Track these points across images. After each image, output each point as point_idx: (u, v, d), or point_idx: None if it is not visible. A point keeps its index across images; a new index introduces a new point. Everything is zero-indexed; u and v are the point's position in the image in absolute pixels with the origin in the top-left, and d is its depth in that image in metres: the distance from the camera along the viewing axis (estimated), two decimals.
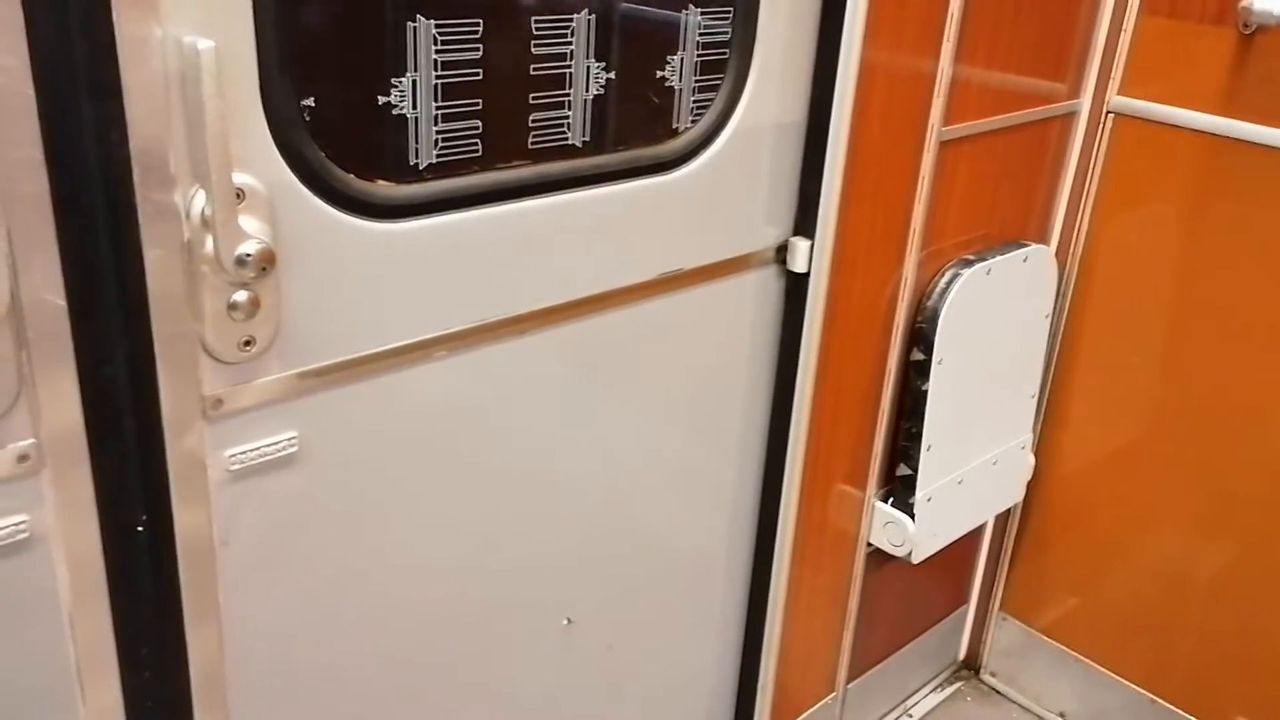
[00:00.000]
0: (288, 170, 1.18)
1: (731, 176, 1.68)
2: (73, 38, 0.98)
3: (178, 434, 1.16)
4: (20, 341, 1.03)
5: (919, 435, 1.96)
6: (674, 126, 1.63)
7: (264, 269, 1.15)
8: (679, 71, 1.60)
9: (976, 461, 2.13)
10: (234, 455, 1.23)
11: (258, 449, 1.24)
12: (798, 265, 1.78)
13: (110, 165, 1.04)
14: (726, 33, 1.62)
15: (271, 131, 1.15)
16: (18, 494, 1.07)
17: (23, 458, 1.06)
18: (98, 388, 1.09)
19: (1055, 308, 2.22)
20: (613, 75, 1.51)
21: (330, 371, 1.29)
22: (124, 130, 1.03)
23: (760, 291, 1.81)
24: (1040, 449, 2.36)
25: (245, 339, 1.19)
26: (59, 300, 1.04)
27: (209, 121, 1.06)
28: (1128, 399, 2.23)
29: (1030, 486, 2.37)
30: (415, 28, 1.29)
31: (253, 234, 1.14)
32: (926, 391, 1.93)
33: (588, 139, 1.52)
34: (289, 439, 1.27)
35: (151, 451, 1.15)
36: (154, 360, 1.12)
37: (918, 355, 1.94)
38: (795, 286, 1.81)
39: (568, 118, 1.49)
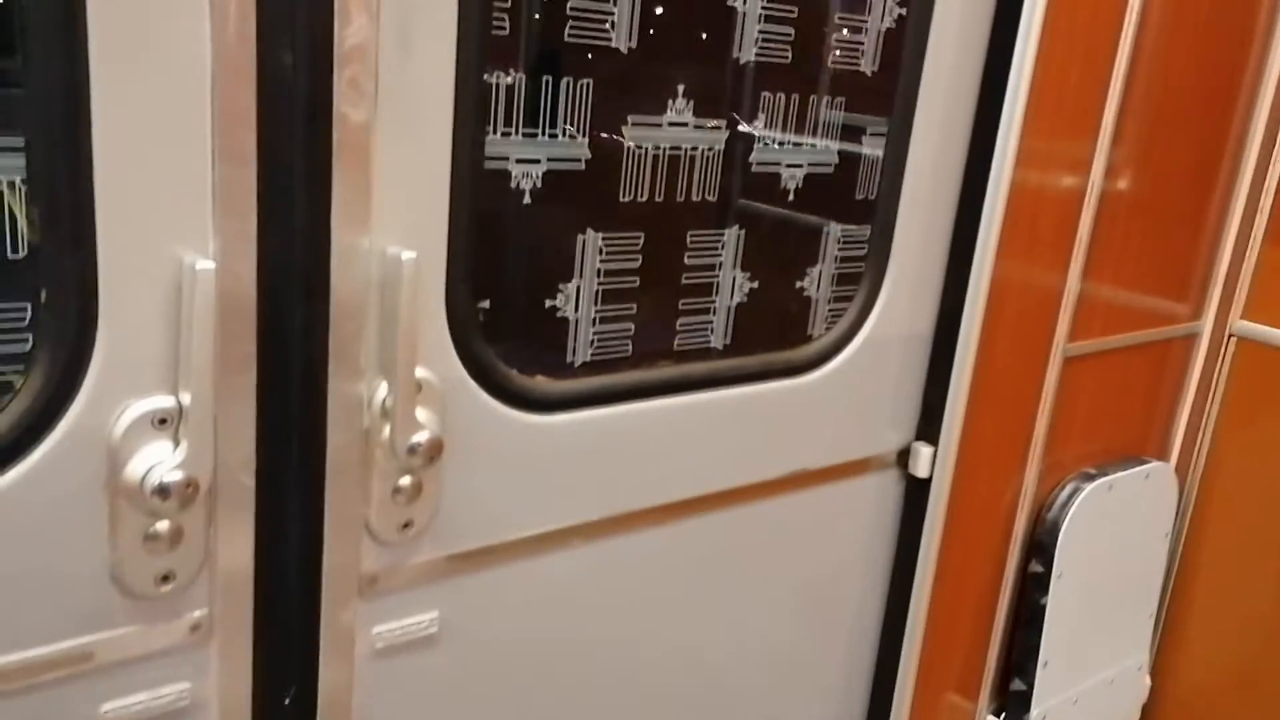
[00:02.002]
0: (460, 366, 1.27)
1: (860, 382, 1.73)
2: (295, 248, 1.09)
3: (335, 610, 1.22)
4: (211, 518, 1.10)
5: (1036, 650, 1.93)
6: (808, 333, 1.69)
7: (432, 458, 1.22)
8: (817, 282, 1.68)
9: (1092, 680, 2.07)
10: (380, 632, 1.27)
11: (403, 627, 1.29)
12: (920, 471, 1.80)
13: (310, 360, 1.13)
14: (864, 247, 1.70)
15: (450, 331, 1.24)
16: (185, 662, 1.13)
17: (195, 627, 1.12)
18: (270, 563, 1.16)
19: (1175, 527, 2.19)
20: (756, 284, 1.60)
21: (475, 555, 1.34)
22: (326, 329, 1.13)
23: (880, 494, 1.83)
24: (1156, 670, 2.28)
25: (405, 521, 1.25)
26: (249, 481, 1.12)
27: (402, 323, 1.15)
28: (1248, 624, 2.16)
29: (1145, 708, 2.28)
30: (584, 239, 1.39)
31: (424, 424, 1.21)
32: (1045, 605, 1.91)
33: (729, 342, 1.59)
34: (431, 619, 1.31)
35: (309, 626, 1.20)
36: (322, 540, 1.18)
37: (1036, 567, 1.93)
38: (916, 491, 1.82)
39: (711, 322, 1.57)
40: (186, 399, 1.05)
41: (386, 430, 1.19)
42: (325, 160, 1.10)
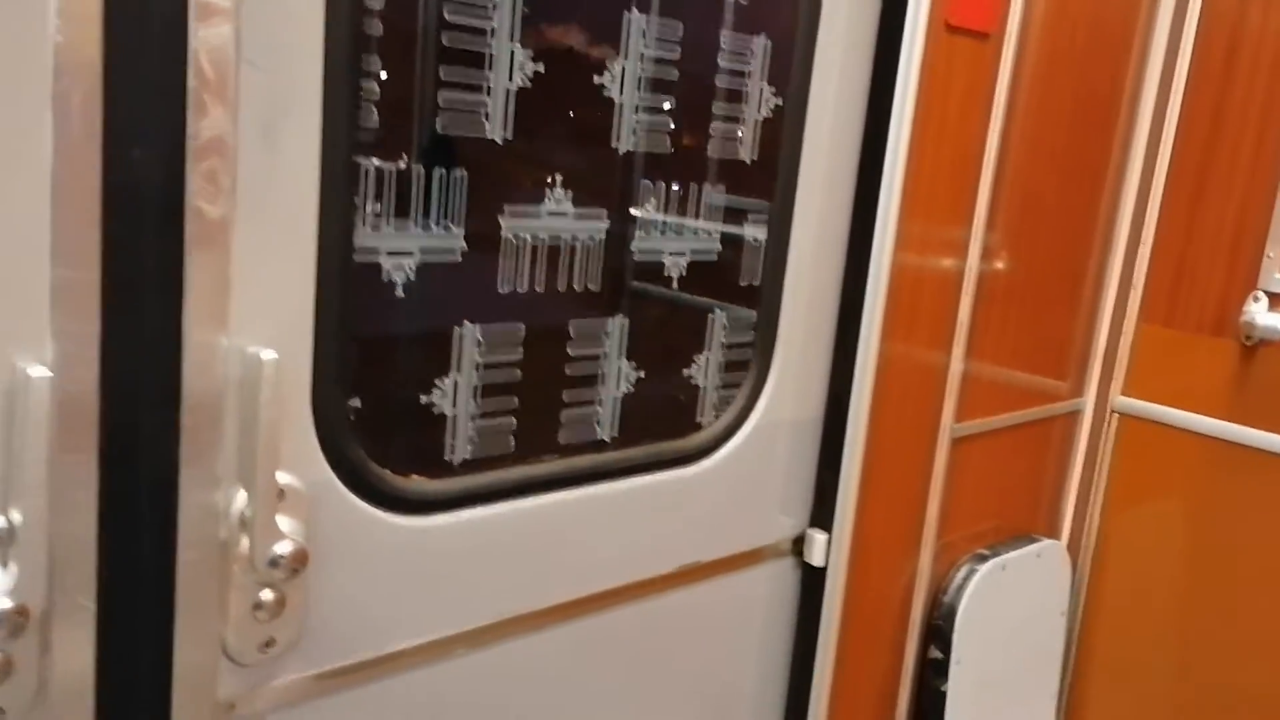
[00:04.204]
0: (328, 469, 1.20)
1: (751, 469, 1.70)
2: (144, 352, 1.02)
3: None
4: (45, 646, 1.01)
5: None
6: (697, 421, 1.67)
7: (296, 569, 1.14)
8: (704, 370, 1.66)
9: None
10: None
11: None
12: (815, 559, 1.78)
13: (160, 470, 1.05)
14: (750, 333, 1.69)
15: (318, 433, 1.18)
16: None
17: None
18: (113, 695, 1.06)
19: (1070, 605, 2.20)
20: (642, 374, 1.57)
21: (347, 672, 1.26)
22: (177, 436, 1.06)
23: (776, 584, 1.79)
24: None
25: (267, 640, 1.17)
26: (89, 604, 1.03)
27: (262, 428, 1.09)
28: (1148, 700, 2.18)
29: None
30: (461, 332, 1.35)
31: (288, 533, 1.14)
32: (945, 693, 1.89)
33: (615, 434, 1.55)
34: None
35: None
36: (173, 666, 1.09)
37: (935, 653, 1.91)
38: (811, 580, 1.80)
39: (597, 414, 1.53)
40: (18, 517, 0.97)
41: (245, 541, 1.12)
42: (177, 258, 1.04)
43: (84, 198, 0.99)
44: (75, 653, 1.03)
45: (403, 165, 1.26)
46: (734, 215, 1.64)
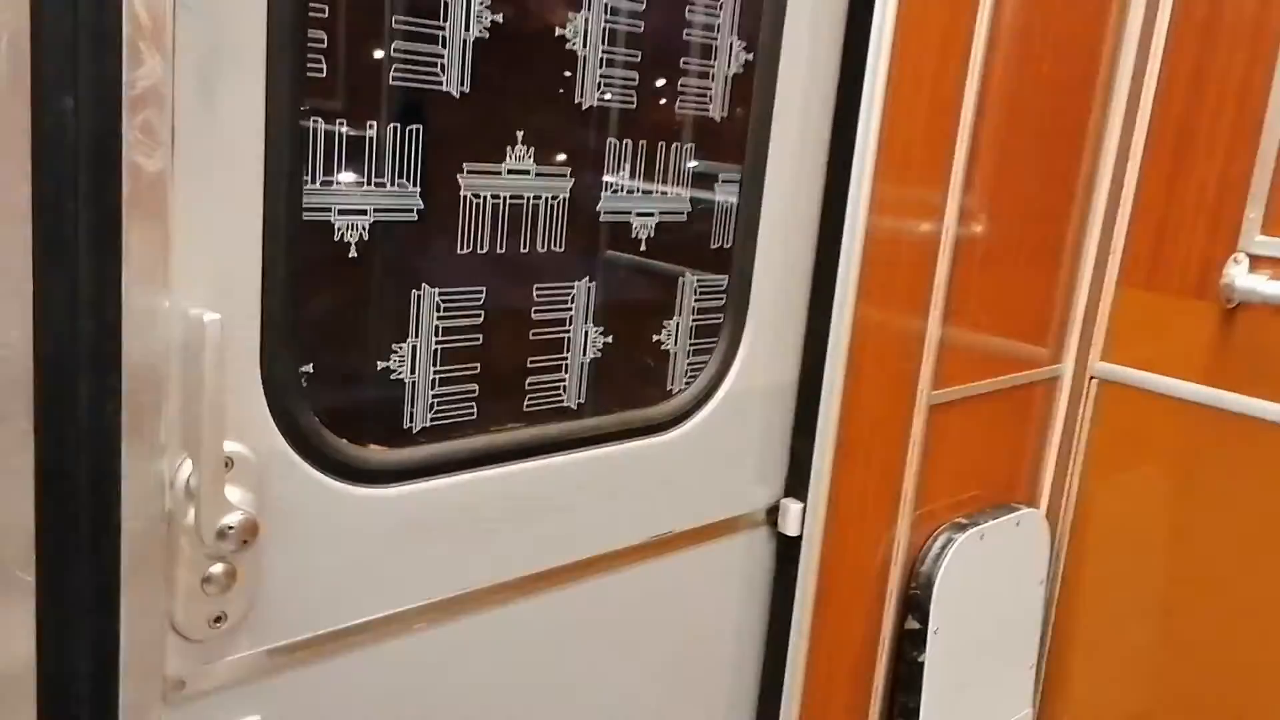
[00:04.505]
0: (280, 438, 1.15)
1: (724, 438, 1.66)
2: (80, 313, 0.97)
3: None
4: None
5: (916, 711, 1.87)
6: (668, 388, 1.63)
7: (245, 542, 1.09)
8: (675, 335, 1.62)
9: None
10: None
11: None
12: (789, 528, 1.74)
13: (100, 438, 1.00)
14: (722, 297, 1.65)
15: (268, 399, 1.13)
16: None
17: None
18: (56, 672, 1.01)
19: (1049, 573, 2.18)
20: (610, 339, 1.52)
21: (303, 647, 1.22)
22: (118, 402, 1.00)
23: (750, 554, 1.76)
24: None
25: (216, 615, 1.12)
26: (28, 578, 0.98)
27: (206, 393, 1.04)
28: (1128, 668, 2.16)
29: None
30: (419, 295, 1.30)
31: (237, 504, 1.09)
32: (923, 664, 1.86)
33: (583, 401, 1.51)
34: None
35: None
36: (119, 642, 1.04)
37: (912, 624, 1.88)
38: (786, 550, 1.76)
39: (564, 380, 1.48)
40: None
41: (192, 513, 1.07)
42: (114, 214, 0.99)
43: (12, 150, 0.93)
44: (15, 629, 0.98)
45: (354, 119, 1.21)
46: (704, 175, 1.59)
